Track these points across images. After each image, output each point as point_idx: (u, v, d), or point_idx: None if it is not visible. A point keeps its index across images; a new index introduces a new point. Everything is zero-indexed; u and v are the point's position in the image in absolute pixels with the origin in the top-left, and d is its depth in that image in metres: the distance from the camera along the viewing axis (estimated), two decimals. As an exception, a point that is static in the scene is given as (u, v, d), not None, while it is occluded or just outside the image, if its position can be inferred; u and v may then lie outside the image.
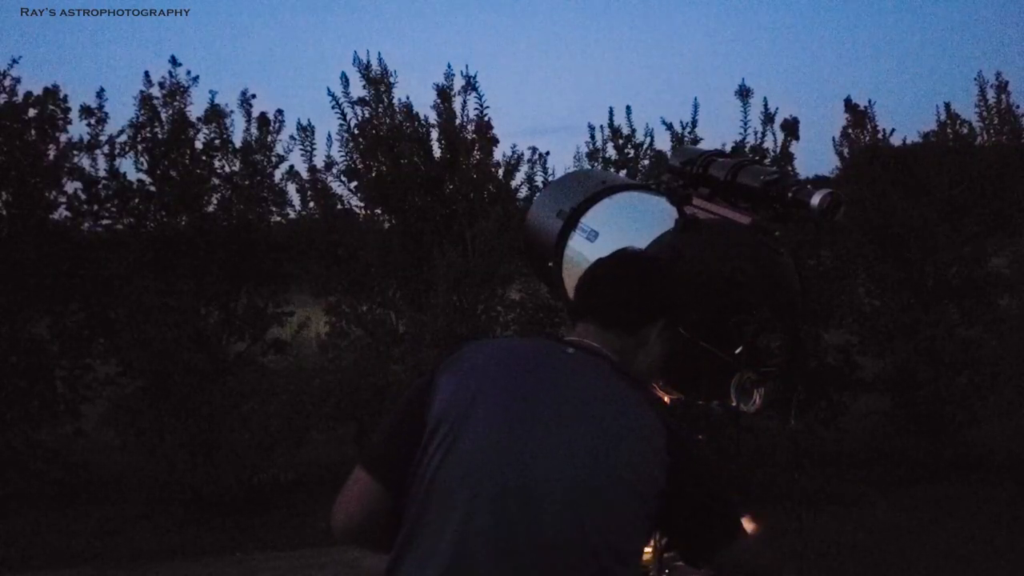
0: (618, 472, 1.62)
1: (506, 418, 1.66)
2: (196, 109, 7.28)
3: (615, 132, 7.44)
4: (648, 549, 1.94)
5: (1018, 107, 8.19)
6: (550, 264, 2.31)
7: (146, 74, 7.22)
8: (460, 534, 1.60)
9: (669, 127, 7.20)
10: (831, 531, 5.71)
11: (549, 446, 1.64)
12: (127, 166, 7.22)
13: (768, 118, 7.23)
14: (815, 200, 1.87)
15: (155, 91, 7.21)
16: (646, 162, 7.36)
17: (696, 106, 7.27)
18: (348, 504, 1.74)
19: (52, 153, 7.10)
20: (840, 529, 5.80)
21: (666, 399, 1.96)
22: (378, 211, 7.37)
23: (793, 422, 6.53)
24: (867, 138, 7.73)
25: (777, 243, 1.97)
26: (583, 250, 2.18)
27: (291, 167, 7.43)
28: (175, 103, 7.22)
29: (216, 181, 7.34)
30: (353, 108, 7.18)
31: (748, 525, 1.77)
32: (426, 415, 1.68)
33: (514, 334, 6.92)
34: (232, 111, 7.34)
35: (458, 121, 7.17)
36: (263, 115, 7.40)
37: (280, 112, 7.44)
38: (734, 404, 1.88)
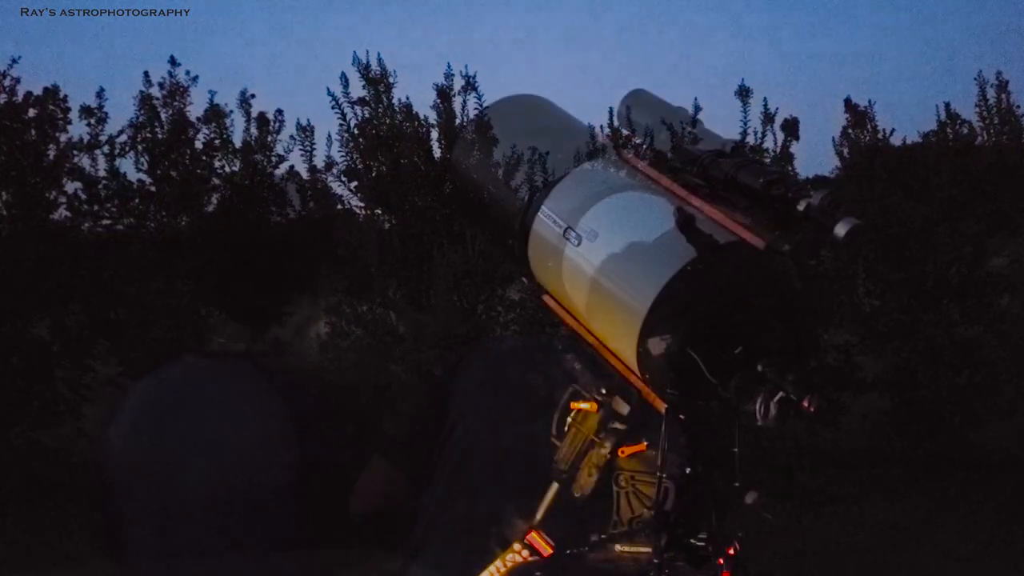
0: None
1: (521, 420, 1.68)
2: (196, 109, 7.30)
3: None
4: (647, 549, 1.94)
5: (1018, 107, 8.21)
6: (510, 242, 2.25)
7: (145, 74, 7.23)
8: (483, 534, 1.61)
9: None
10: (831, 531, 5.72)
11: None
12: (127, 166, 7.24)
13: (768, 118, 7.22)
14: (814, 201, 1.87)
15: (155, 91, 7.23)
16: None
17: (696, 106, 7.28)
18: (367, 493, 1.75)
19: (52, 153, 7.10)
20: (840, 529, 5.80)
21: (662, 405, 1.93)
22: (378, 211, 7.37)
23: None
24: (867, 138, 7.73)
25: (788, 264, 1.95)
26: (585, 253, 2.11)
27: (291, 167, 7.44)
28: (175, 103, 7.24)
29: (216, 181, 7.34)
30: (353, 108, 7.19)
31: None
32: (445, 414, 1.70)
33: (514, 334, 6.92)
34: (232, 111, 7.36)
35: (458, 121, 7.17)
36: (262, 115, 7.41)
37: (280, 112, 7.45)
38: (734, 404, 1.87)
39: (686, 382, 1.83)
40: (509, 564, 1.99)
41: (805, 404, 1.78)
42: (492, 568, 2.00)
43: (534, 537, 2.00)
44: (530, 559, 1.98)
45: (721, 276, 1.85)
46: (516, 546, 2.00)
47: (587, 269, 2.04)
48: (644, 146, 2.29)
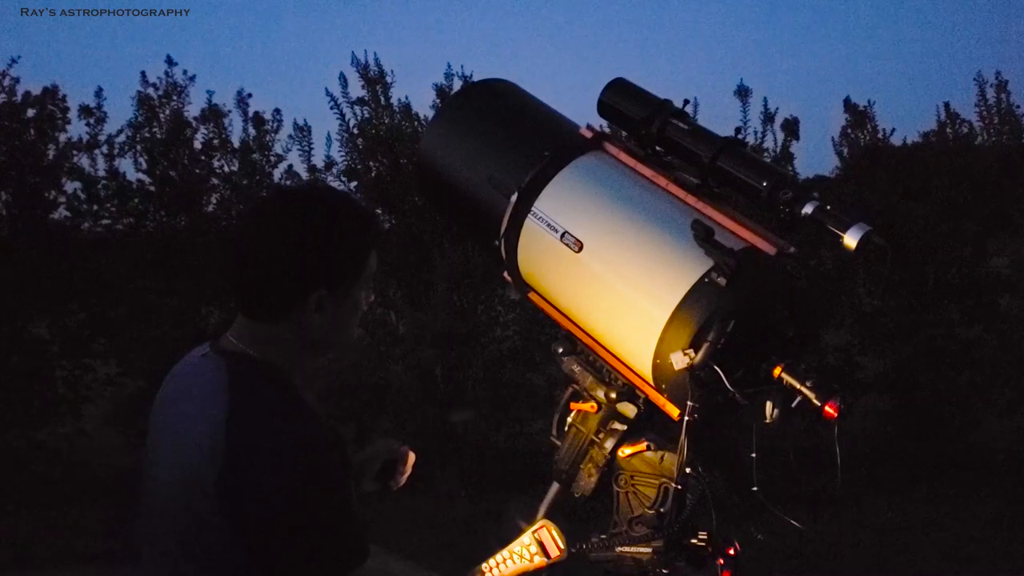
0: None
1: None
2: (195, 109, 7.31)
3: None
4: (647, 549, 1.93)
5: (1018, 107, 8.23)
6: (496, 243, 2.10)
7: (143, 74, 7.24)
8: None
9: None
10: (831, 531, 5.71)
11: None
12: (126, 166, 7.24)
13: (768, 118, 7.23)
14: (807, 209, 1.85)
15: (152, 91, 7.23)
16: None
17: (696, 106, 7.27)
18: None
19: (52, 153, 7.10)
20: (840, 529, 5.79)
21: (675, 411, 1.91)
22: (378, 211, 7.37)
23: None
24: (867, 138, 7.72)
25: (797, 270, 1.92)
26: (588, 260, 1.98)
27: (290, 166, 7.45)
28: (172, 103, 7.23)
29: (215, 181, 7.34)
30: (352, 108, 7.19)
31: None
32: None
33: (515, 334, 6.92)
34: (230, 111, 7.36)
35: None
36: (258, 115, 7.41)
37: (278, 112, 7.46)
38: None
39: (705, 392, 1.80)
40: (517, 563, 1.95)
41: (829, 408, 1.77)
42: (500, 556, 1.96)
43: (545, 533, 1.96)
44: (537, 561, 1.96)
45: (743, 288, 1.78)
46: (525, 539, 1.97)
47: (591, 277, 1.97)
48: (630, 138, 2.21)
